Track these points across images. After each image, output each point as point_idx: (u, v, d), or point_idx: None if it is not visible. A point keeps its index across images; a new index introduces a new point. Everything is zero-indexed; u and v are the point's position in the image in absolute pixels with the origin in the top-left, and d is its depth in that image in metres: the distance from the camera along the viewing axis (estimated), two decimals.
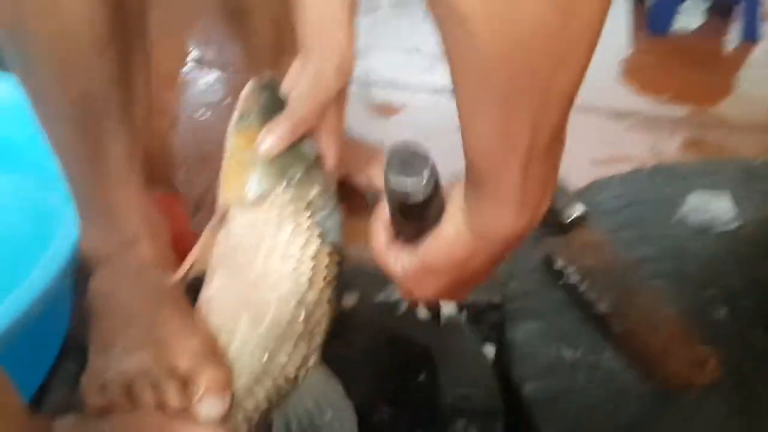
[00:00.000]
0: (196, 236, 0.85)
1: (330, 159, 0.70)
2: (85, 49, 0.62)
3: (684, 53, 1.53)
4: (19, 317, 0.67)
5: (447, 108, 1.36)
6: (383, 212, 0.63)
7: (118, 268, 0.69)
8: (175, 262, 0.72)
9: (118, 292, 0.68)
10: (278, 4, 0.88)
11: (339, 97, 0.71)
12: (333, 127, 0.71)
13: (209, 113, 1.34)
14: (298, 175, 0.66)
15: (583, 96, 1.43)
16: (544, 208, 0.51)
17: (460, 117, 0.46)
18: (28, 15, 0.60)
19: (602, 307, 0.75)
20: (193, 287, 0.70)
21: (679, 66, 1.48)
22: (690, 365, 0.71)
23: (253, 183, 0.66)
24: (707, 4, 1.66)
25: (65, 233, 0.73)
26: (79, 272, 0.75)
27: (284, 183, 0.66)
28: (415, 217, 0.58)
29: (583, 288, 0.77)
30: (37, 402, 0.75)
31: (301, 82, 0.69)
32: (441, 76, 1.35)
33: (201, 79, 1.44)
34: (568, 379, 0.70)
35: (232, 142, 0.67)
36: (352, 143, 1.07)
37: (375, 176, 1.05)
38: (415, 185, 0.55)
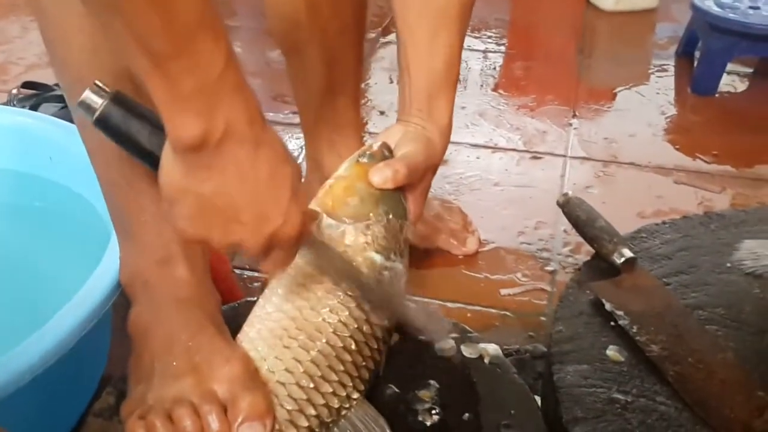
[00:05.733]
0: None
1: (414, 218, 0.73)
2: None
3: (730, 114, 1.52)
4: (57, 348, 0.66)
5: (486, 163, 1.35)
6: None
7: (156, 296, 0.69)
8: (213, 287, 0.71)
9: (156, 321, 0.68)
10: (333, 45, 0.89)
11: (434, 167, 0.75)
12: (423, 192, 0.74)
13: None
14: (388, 217, 0.68)
15: (629, 152, 1.41)
16: None
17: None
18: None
19: (655, 350, 0.72)
20: (230, 315, 0.69)
21: (725, 126, 1.47)
22: (748, 411, 0.68)
23: (350, 206, 0.68)
24: (751, 70, 1.67)
25: (107, 264, 0.73)
26: (117, 305, 0.75)
27: (374, 218, 0.68)
28: None
29: (634, 331, 0.74)
30: None
31: (412, 144, 0.72)
32: (481, 132, 1.36)
33: None
34: (620, 422, 0.67)
35: (350, 166, 0.70)
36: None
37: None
38: None
